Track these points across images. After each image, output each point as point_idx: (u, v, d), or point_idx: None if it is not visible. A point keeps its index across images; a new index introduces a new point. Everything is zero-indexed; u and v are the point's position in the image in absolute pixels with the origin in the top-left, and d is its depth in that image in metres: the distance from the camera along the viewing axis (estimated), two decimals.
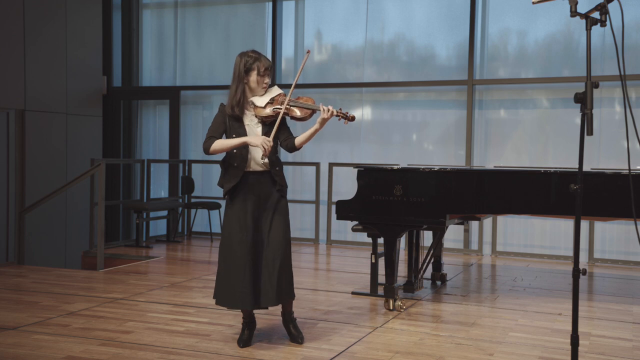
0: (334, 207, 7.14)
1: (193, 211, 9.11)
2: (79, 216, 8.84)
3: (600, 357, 3.79)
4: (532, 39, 7.92)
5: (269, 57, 9.06)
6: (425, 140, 8.38)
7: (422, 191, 4.76)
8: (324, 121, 3.73)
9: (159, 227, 9.44)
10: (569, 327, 2.98)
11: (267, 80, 3.82)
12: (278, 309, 4.74)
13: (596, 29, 3.21)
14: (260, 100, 3.80)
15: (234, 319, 4.51)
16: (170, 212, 8.68)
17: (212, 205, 8.65)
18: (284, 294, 3.78)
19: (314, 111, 3.81)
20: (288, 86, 8.94)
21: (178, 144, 9.46)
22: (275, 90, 3.87)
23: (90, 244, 7.68)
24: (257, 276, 3.74)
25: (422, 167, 5.01)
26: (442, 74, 8.26)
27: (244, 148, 3.74)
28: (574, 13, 2.76)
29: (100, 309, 4.78)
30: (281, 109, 3.75)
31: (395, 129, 8.53)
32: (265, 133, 3.78)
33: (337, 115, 3.76)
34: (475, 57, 7.97)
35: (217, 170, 9.37)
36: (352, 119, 3.80)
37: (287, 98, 3.77)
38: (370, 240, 5.33)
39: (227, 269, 3.76)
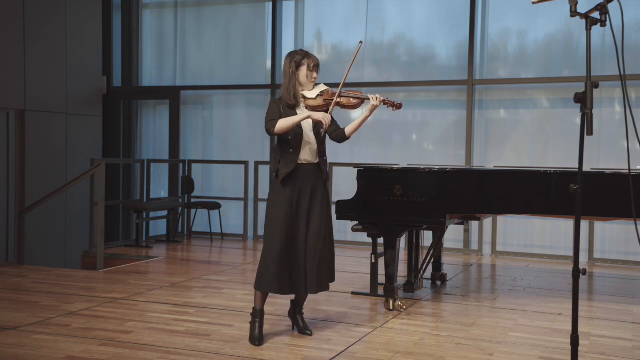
0: (334, 207, 7.13)
1: (193, 211, 9.11)
2: (79, 216, 8.84)
3: (600, 357, 3.79)
4: (532, 39, 7.92)
5: (269, 57, 9.07)
6: (425, 140, 8.38)
7: (422, 191, 4.76)
8: (373, 108, 3.99)
9: (159, 227, 9.44)
10: (569, 327, 2.98)
11: (316, 75, 4.04)
12: (280, 303, 4.74)
13: (596, 29, 3.21)
14: (310, 94, 4.03)
15: (234, 318, 4.51)
16: (170, 212, 8.68)
17: (212, 205, 8.66)
18: (325, 283, 4.02)
19: (362, 100, 4.04)
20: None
21: (178, 144, 9.46)
22: (322, 86, 4.08)
23: (90, 244, 7.68)
24: (297, 264, 3.92)
25: (422, 167, 5.01)
26: (442, 74, 8.26)
27: (297, 135, 3.90)
28: (574, 13, 2.76)
29: (100, 309, 4.78)
30: (332, 99, 3.98)
31: (395, 129, 8.53)
32: (317, 124, 3.96)
33: (385, 103, 4.03)
34: (475, 57, 7.97)
35: (217, 170, 9.40)
36: (400, 106, 4.07)
37: (339, 90, 3.99)
38: (370, 240, 5.33)
39: (269, 253, 3.88)
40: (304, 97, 4.00)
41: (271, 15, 9.03)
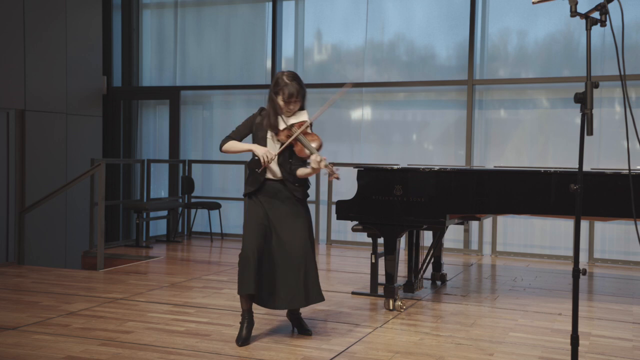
0: (334, 207, 7.14)
1: (193, 211, 9.11)
2: (79, 216, 8.84)
3: (600, 357, 3.79)
4: (532, 39, 7.92)
5: (269, 57, 9.06)
6: (425, 140, 8.38)
7: (422, 191, 4.76)
8: (313, 170, 3.90)
9: (159, 227, 9.44)
10: (569, 327, 2.98)
11: (292, 107, 3.94)
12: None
13: (596, 29, 3.21)
14: (282, 123, 3.96)
15: (234, 318, 4.51)
16: (170, 212, 8.68)
17: (212, 205, 8.65)
18: (313, 296, 3.91)
19: (310, 155, 3.91)
20: None
21: (178, 144, 9.46)
22: (301, 116, 3.99)
23: (90, 244, 7.68)
24: (271, 275, 3.88)
25: (422, 167, 5.01)
26: (442, 74, 8.26)
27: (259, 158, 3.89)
28: (574, 13, 2.76)
29: (100, 309, 4.78)
30: (287, 140, 3.90)
31: (395, 129, 8.53)
32: (283, 152, 3.92)
33: (325, 168, 3.86)
34: (475, 57, 7.97)
35: (217, 170, 9.40)
36: (337, 178, 3.88)
37: (300, 130, 3.90)
38: (370, 240, 5.33)
39: (244, 258, 3.85)
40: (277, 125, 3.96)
41: (271, 15, 9.03)
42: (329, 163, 3.91)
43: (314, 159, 3.86)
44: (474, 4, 7.93)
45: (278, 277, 3.88)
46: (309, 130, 3.96)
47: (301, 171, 4.00)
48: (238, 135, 3.99)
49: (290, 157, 3.96)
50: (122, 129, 9.96)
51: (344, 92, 3.98)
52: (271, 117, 3.93)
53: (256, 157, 3.91)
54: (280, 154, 3.91)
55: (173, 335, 4.08)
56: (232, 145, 3.96)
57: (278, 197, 3.96)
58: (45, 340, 3.94)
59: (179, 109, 9.50)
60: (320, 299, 3.95)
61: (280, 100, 3.91)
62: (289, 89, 3.87)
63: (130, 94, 9.90)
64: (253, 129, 3.98)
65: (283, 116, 3.96)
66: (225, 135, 4.05)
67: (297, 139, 3.90)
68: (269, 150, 3.86)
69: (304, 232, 3.95)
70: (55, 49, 8.76)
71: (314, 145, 3.92)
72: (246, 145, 3.94)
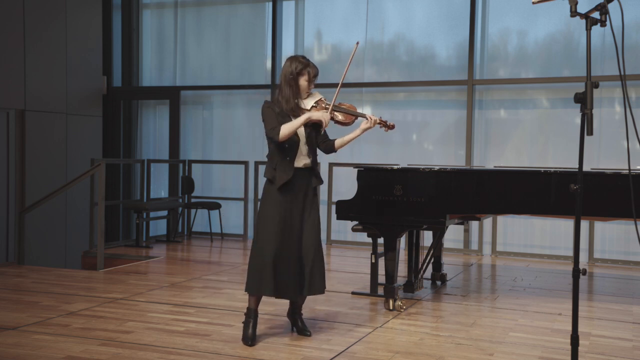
0: (334, 207, 7.14)
1: (193, 211, 9.11)
2: (79, 216, 8.84)
3: (600, 357, 3.79)
4: (532, 39, 7.92)
5: (269, 57, 9.07)
6: (425, 140, 8.38)
7: (422, 191, 4.76)
8: (366, 129, 4.03)
9: (159, 227, 9.44)
10: (569, 327, 2.98)
11: (312, 86, 3.99)
12: (280, 303, 4.74)
13: (596, 29, 3.21)
14: (306, 104, 3.98)
15: (234, 318, 4.51)
16: (170, 212, 8.68)
17: (212, 205, 8.66)
18: (317, 287, 3.97)
19: (356, 118, 4.04)
20: None
21: (178, 144, 9.46)
22: (317, 95, 4.04)
23: (90, 244, 7.68)
24: (288, 268, 3.88)
25: (422, 167, 5.01)
26: (442, 74, 8.26)
27: (294, 143, 3.88)
28: (574, 13, 2.76)
29: (100, 309, 4.78)
30: (327, 111, 3.95)
31: (395, 129, 8.51)
32: (309, 133, 3.95)
33: (379, 124, 4.05)
34: (475, 57, 7.97)
35: (217, 170, 9.40)
36: (392, 127, 4.12)
37: (332, 102, 3.98)
38: (370, 240, 5.33)
39: (263, 254, 3.85)
40: (299, 107, 3.96)
41: (271, 15, 9.03)
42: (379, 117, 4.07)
43: (368, 118, 4.00)
44: (474, 4, 7.93)
45: (303, 268, 3.90)
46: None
47: (342, 141, 4.08)
48: (276, 123, 3.87)
49: (316, 137, 3.99)
50: (122, 129, 9.96)
51: (353, 54, 4.03)
52: (291, 101, 3.89)
53: (286, 145, 3.86)
54: (307, 136, 3.92)
55: (173, 335, 4.08)
56: (287, 127, 3.79)
57: (303, 188, 3.94)
58: (45, 340, 3.95)
59: (179, 109, 9.50)
60: (322, 291, 4.02)
61: (303, 82, 3.91)
62: (312, 68, 3.93)
63: (130, 94, 9.90)
64: (277, 120, 3.91)
65: (299, 99, 3.97)
66: (272, 131, 3.86)
67: (335, 110, 3.99)
68: (325, 112, 3.89)
69: (319, 227, 4.02)
70: (55, 49, 8.76)
71: (352, 109, 4.04)
72: (300, 118, 3.83)
